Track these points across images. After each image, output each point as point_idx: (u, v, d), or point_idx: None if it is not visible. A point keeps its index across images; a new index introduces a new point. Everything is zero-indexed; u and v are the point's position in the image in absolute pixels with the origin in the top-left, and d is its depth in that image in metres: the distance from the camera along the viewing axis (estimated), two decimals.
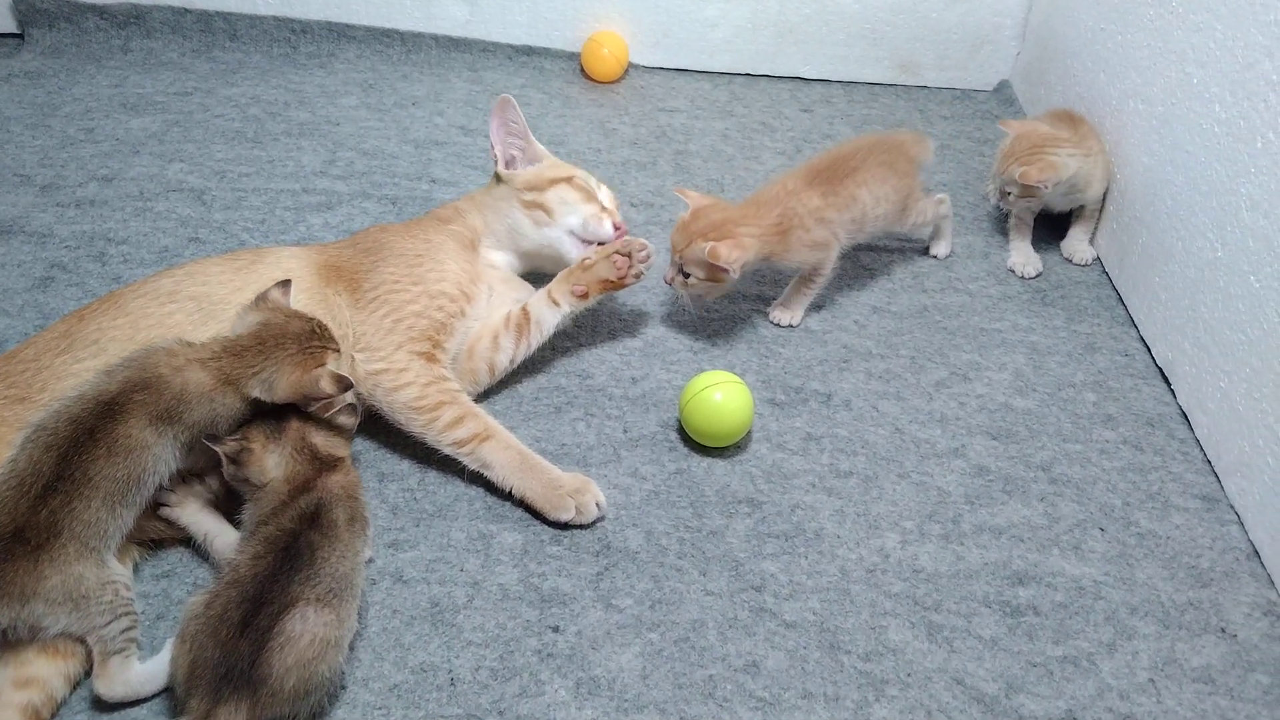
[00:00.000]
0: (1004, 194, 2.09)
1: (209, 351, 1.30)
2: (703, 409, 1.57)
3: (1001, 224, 2.23)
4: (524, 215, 1.74)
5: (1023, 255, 2.10)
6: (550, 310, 1.68)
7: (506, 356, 1.66)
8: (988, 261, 2.13)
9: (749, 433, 1.65)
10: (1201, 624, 1.40)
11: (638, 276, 1.70)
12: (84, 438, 1.20)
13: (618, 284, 1.69)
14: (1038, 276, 2.08)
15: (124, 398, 1.23)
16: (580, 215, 1.74)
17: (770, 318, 1.90)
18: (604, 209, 1.77)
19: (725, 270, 1.69)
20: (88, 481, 1.18)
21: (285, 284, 1.41)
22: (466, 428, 1.50)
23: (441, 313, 1.57)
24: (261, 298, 1.38)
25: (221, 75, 2.58)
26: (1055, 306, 2.01)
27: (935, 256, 2.12)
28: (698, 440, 1.61)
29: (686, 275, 1.77)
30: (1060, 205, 2.12)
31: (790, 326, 1.90)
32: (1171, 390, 1.80)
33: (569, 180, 1.76)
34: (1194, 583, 1.46)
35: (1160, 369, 1.85)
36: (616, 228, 1.76)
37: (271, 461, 1.30)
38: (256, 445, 1.30)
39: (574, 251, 1.74)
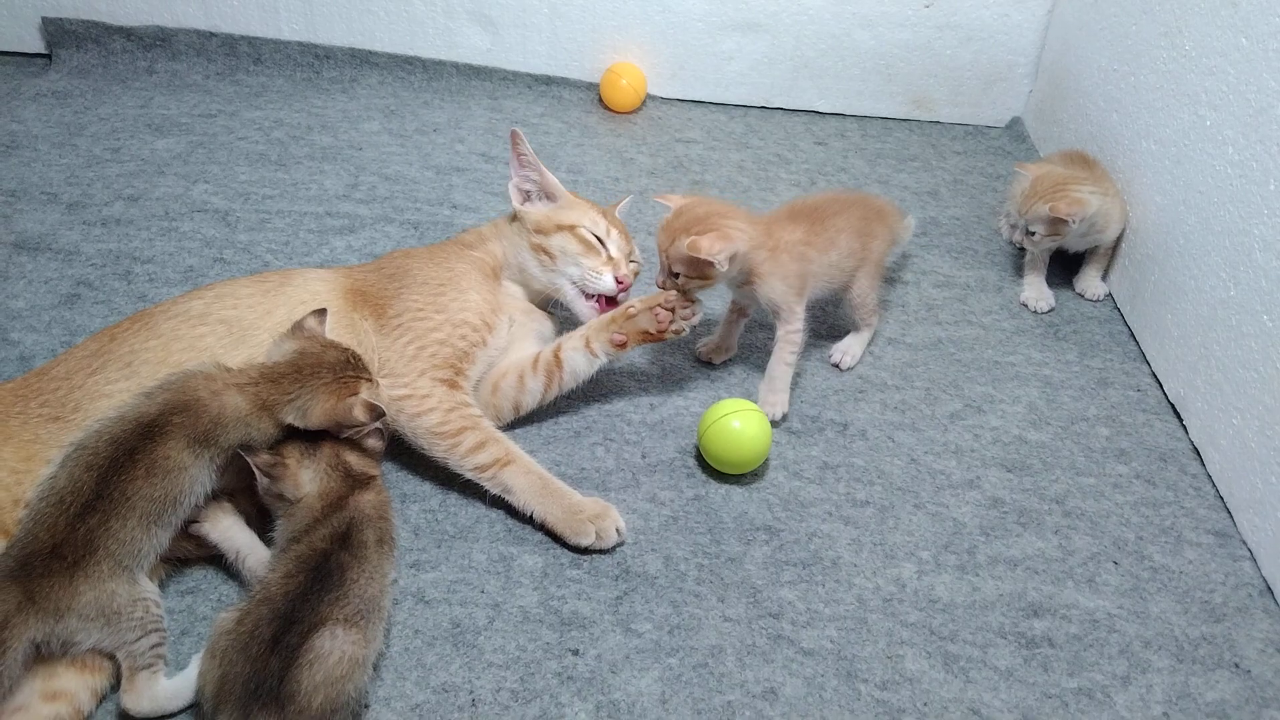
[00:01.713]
0: (1028, 234, 2.08)
1: (246, 377, 1.33)
2: (721, 436, 1.59)
3: (1015, 258, 2.26)
4: (531, 256, 1.73)
5: (1036, 290, 2.13)
6: (585, 358, 1.66)
7: (533, 399, 1.68)
8: (1001, 295, 2.15)
9: (766, 461, 1.67)
10: (1215, 659, 1.42)
11: (678, 332, 1.66)
12: (124, 458, 1.22)
13: (658, 336, 1.66)
14: (1050, 311, 2.10)
15: (163, 420, 1.25)
16: (580, 268, 1.70)
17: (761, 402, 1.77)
18: (610, 259, 1.72)
19: (711, 264, 1.60)
20: (125, 501, 1.20)
21: (321, 313, 1.44)
22: (488, 453, 1.51)
23: (464, 341, 1.59)
24: (298, 326, 1.41)
25: (245, 98, 2.62)
26: (1068, 341, 2.03)
27: (836, 365, 1.92)
28: (716, 467, 1.63)
29: (677, 275, 1.66)
30: (1077, 246, 2.14)
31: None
32: (1183, 426, 1.82)
33: (572, 229, 1.71)
34: (1207, 618, 1.48)
35: (1172, 405, 1.87)
36: (619, 281, 1.70)
37: (306, 477, 1.32)
38: (291, 460, 1.32)
39: (577, 303, 1.72)
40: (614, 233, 1.75)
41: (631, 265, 1.77)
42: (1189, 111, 1.91)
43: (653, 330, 1.65)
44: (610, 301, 1.72)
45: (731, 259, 1.63)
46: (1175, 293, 1.90)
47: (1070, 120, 2.47)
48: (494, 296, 1.69)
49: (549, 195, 1.78)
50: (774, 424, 1.74)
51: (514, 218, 1.79)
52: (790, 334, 1.74)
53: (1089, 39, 2.40)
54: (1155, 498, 1.68)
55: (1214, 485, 1.71)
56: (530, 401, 1.68)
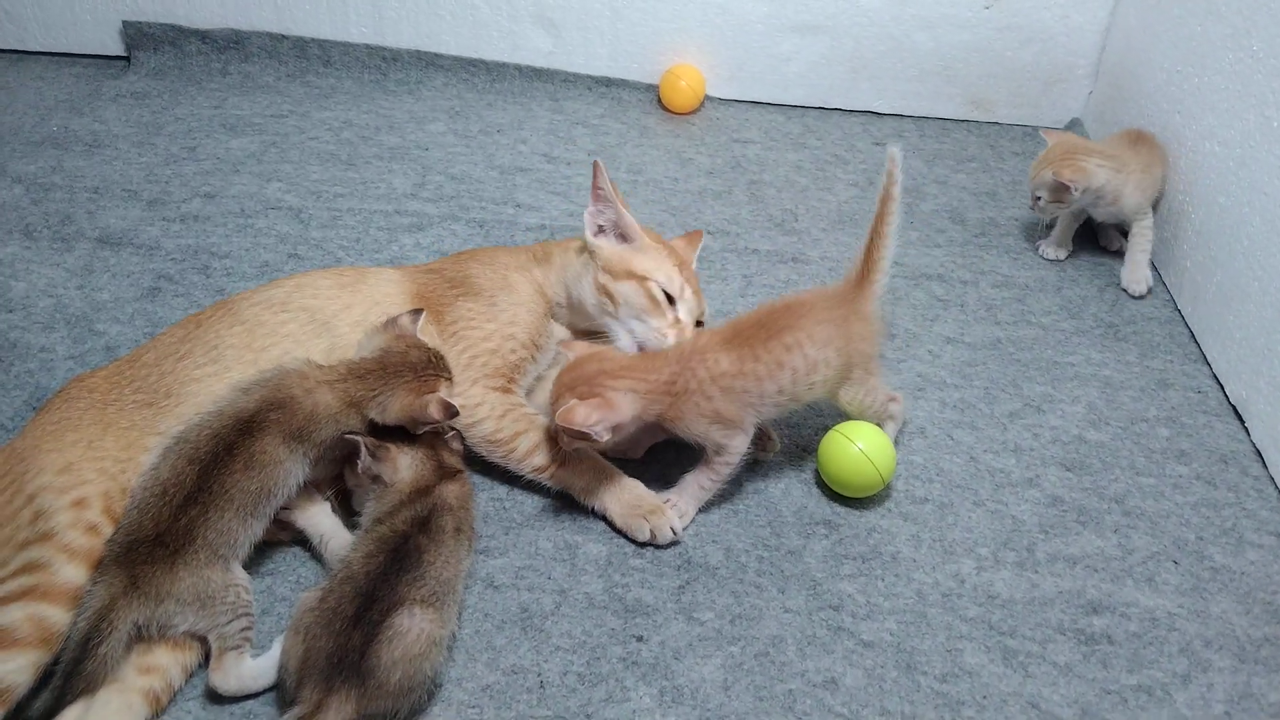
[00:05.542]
0: (1034, 199, 2.18)
1: (336, 374, 1.40)
2: (857, 465, 1.56)
3: (1073, 260, 2.25)
4: (592, 293, 1.66)
5: (1055, 241, 2.27)
6: None
7: None
8: (1060, 296, 2.15)
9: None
10: (1278, 661, 1.42)
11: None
12: (223, 453, 1.29)
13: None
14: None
15: (261, 416, 1.32)
16: (644, 325, 1.62)
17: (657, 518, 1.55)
18: (676, 320, 1.62)
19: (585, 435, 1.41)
20: (224, 493, 1.27)
21: (417, 312, 1.50)
22: (544, 454, 1.55)
23: (514, 355, 1.61)
24: (392, 322, 1.47)
25: (315, 99, 2.69)
26: (1127, 342, 2.03)
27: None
28: (825, 476, 1.62)
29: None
30: (1099, 215, 2.22)
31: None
32: (1245, 428, 1.82)
33: (642, 281, 1.62)
34: (1270, 619, 1.48)
35: (1234, 406, 1.86)
36: None
37: (405, 462, 1.38)
38: (393, 445, 1.38)
39: (626, 344, 1.64)
40: (688, 291, 1.65)
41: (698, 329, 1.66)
42: (1256, 113, 1.90)
43: None
44: None
45: (616, 428, 1.44)
46: (1239, 295, 1.89)
47: (1131, 121, 2.45)
48: (544, 321, 1.69)
49: (624, 235, 1.69)
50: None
51: (584, 248, 1.72)
52: (722, 462, 1.54)
53: (1152, 41, 2.39)
54: (1216, 499, 1.68)
55: (1276, 487, 1.70)
56: None
